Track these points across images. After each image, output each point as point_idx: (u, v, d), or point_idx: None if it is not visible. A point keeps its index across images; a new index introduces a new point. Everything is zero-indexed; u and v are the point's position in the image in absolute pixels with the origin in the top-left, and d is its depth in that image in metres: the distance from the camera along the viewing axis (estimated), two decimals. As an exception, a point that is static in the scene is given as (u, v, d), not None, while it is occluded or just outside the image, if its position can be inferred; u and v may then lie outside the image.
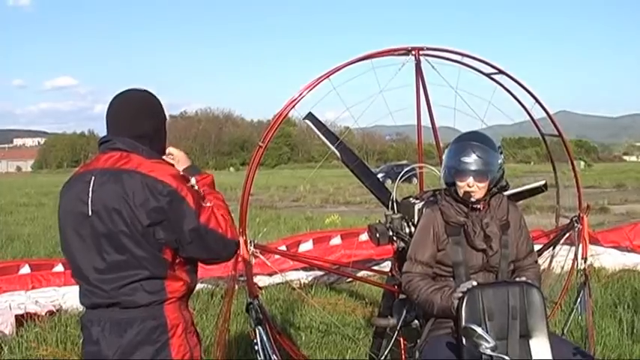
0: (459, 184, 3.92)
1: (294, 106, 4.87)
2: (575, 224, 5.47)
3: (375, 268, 8.55)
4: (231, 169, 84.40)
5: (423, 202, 4.63)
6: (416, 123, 5.32)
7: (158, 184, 2.86)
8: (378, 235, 4.84)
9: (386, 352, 4.84)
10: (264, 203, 27.82)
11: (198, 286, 8.91)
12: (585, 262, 5.48)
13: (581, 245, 5.48)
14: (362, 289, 9.31)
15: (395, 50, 5.24)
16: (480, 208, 3.96)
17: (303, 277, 9.76)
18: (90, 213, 2.91)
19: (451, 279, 3.95)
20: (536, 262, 4.23)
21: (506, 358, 3.19)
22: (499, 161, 3.97)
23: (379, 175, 7.98)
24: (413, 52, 5.24)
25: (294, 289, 8.87)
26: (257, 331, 4.52)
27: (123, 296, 2.91)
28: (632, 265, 10.29)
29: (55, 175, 77.44)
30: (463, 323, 3.55)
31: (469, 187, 3.89)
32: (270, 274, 9.00)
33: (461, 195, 3.94)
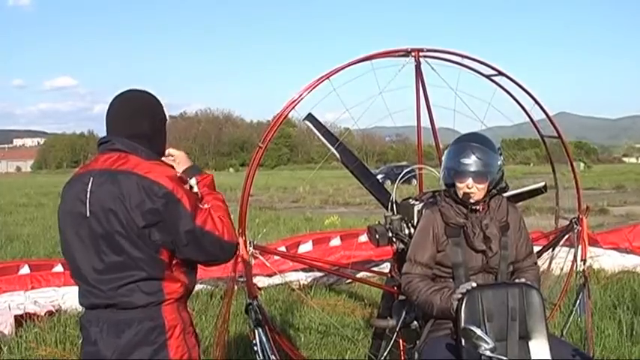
0: (459, 185, 3.92)
1: (293, 107, 4.88)
2: (575, 226, 5.48)
3: (375, 269, 8.56)
4: (231, 169, 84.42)
5: (422, 204, 4.63)
6: (416, 124, 5.33)
7: (154, 185, 2.86)
8: (377, 236, 4.84)
9: (385, 353, 4.84)
10: (263, 204, 27.82)
11: (198, 286, 8.95)
12: (585, 263, 5.48)
13: (580, 247, 5.49)
14: (361, 290, 9.31)
15: (395, 51, 5.25)
16: (479, 210, 3.96)
17: (302, 278, 9.77)
18: (88, 214, 2.92)
19: (450, 280, 3.96)
20: (536, 263, 4.24)
21: (505, 359, 3.20)
22: (499, 163, 3.97)
23: (379, 177, 7.97)
24: (413, 54, 5.24)
25: (293, 290, 8.88)
26: (256, 331, 4.52)
27: (120, 297, 2.91)
28: (632, 267, 10.30)
29: (55, 176, 77.46)
30: (462, 324, 3.55)
31: (468, 188, 3.90)
32: (270, 275, 9.00)
33: (460, 196, 3.94)
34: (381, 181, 5.76)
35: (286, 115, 4.97)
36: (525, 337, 3.67)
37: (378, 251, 7.43)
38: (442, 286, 3.91)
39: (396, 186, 4.99)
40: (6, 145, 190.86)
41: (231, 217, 3.13)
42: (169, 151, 3.29)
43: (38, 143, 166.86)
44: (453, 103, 5.26)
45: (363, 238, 8.66)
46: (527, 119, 5.67)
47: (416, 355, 3.99)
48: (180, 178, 3.00)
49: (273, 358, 4.47)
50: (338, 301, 9.00)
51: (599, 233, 11.18)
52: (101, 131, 3.15)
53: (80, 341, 3.12)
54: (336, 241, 10.30)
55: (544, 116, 5.62)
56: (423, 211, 4.37)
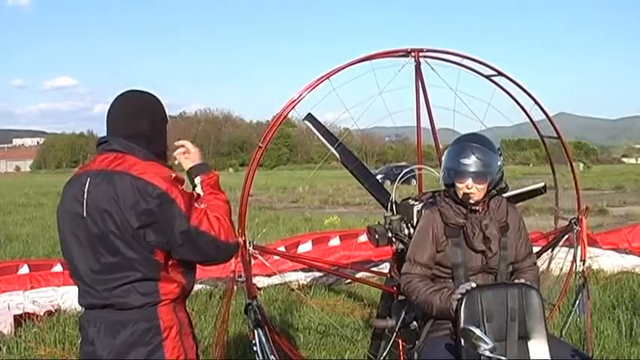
0: (458, 185, 3.92)
1: (293, 107, 4.88)
2: (574, 226, 5.48)
3: (374, 269, 8.56)
4: (231, 169, 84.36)
5: (422, 204, 4.64)
6: (415, 124, 5.32)
7: (148, 186, 2.86)
8: (377, 236, 4.84)
9: (384, 354, 4.83)
10: (263, 204, 27.82)
11: (197, 286, 8.94)
12: (584, 264, 5.48)
13: (579, 247, 5.49)
14: (361, 291, 9.31)
15: (395, 52, 5.25)
16: (479, 210, 3.96)
17: (301, 278, 9.77)
18: (84, 214, 2.93)
19: (450, 280, 3.96)
20: (535, 263, 4.24)
21: (505, 359, 3.20)
22: (498, 163, 3.97)
23: (378, 177, 7.98)
24: (412, 54, 5.24)
25: (292, 290, 8.88)
26: (256, 332, 4.52)
27: (116, 298, 2.92)
28: (631, 267, 10.31)
29: (54, 176, 77.43)
30: (462, 324, 3.55)
31: (468, 188, 3.90)
32: (269, 275, 9.00)
33: (460, 196, 3.94)
34: (380, 181, 5.76)
35: (286, 115, 4.97)
36: (525, 337, 3.68)
37: (377, 251, 7.43)
38: (441, 287, 3.91)
39: (395, 186, 4.99)
40: (5, 145, 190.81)
41: (232, 218, 3.13)
42: (183, 142, 3.29)
43: (38, 143, 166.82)
44: (453, 103, 5.27)
45: (363, 238, 8.66)
46: (527, 119, 5.67)
47: (415, 356, 3.98)
48: (175, 178, 2.98)
49: (273, 358, 4.47)
50: (337, 301, 9.00)
51: (598, 234, 11.19)
52: (101, 131, 3.16)
53: (79, 341, 3.13)
54: (335, 241, 10.30)
55: (544, 116, 5.62)
56: (423, 211, 4.37)
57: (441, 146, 5.38)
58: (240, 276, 4.88)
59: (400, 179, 5.04)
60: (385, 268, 7.50)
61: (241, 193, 4.83)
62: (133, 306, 2.91)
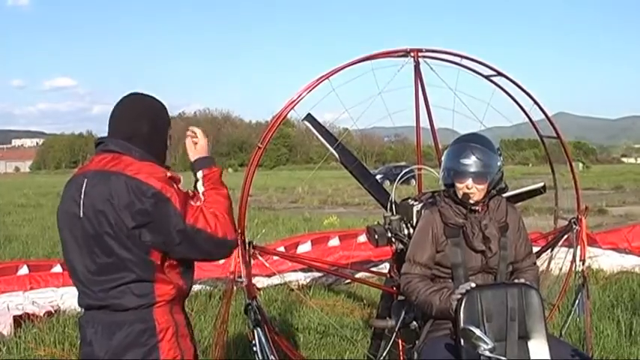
0: (458, 185, 3.92)
1: (293, 108, 4.87)
2: (574, 226, 5.48)
3: (374, 269, 8.56)
4: (230, 169, 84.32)
5: (421, 204, 4.63)
6: (415, 124, 5.32)
7: (142, 185, 2.86)
8: (376, 236, 4.84)
9: (384, 354, 4.83)
10: (262, 204, 27.83)
11: (197, 287, 8.95)
12: (584, 263, 5.48)
13: (579, 247, 5.49)
14: (360, 291, 9.31)
15: (394, 52, 5.25)
16: (478, 210, 3.96)
17: (301, 278, 9.77)
18: (81, 215, 2.93)
19: (450, 280, 3.96)
20: (535, 263, 4.24)
21: (505, 359, 3.20)
22: (498, 163, 3.97)
23: (377, 177, 7.98)
24: (412, 54, 5.24)
25: (292, 290, 8.89)
26: (255, 332, 4.52)
27: (111, 299, 2.92)
28: (630, 267, 10.31)
29: (54, 176, 77.46)
30: (462, 324, 3.55)
31: (468, 188, 3.90)
32: (269, 276, 9.00)
33: (460, 196, 3.94)
34: (379, 181, 5.76)
35: (285, 116, 4.97)
36: (524, 337, 3.68)
37: (377, 251, 7.44)
38: (441, 287, 3.90)
39: (395, 186, 4.99)
40: (5, 146, 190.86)
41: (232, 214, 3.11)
42: (194, 128, 3.27)
43: (37, 144, 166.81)
44: (452, 103, 5.26)
45: (362, 238, 8.65)
46: (527, 119, 5.67)
47: (415, 356, 3.98)
48: (170, 177, 2.98)
49: (272, 358, 4.46)
50: (337, 301, 9.00)
51: (597, 233, 11.19)
52: (100, 132, 3.17)
53: (79, 342, 3.13)
54: (334, 242, 10.30)
55: (543, 116, 5.62)
56: (422, 211, 4.37)
57: (440, 146, 5.38)
58: (240, 276, 4.88)
59: (400, 179, 5.04)
60: (385, 268, 7.50)
61: (241, 194, 4.82)
62: (128, 307, 2.91)
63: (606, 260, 10.36)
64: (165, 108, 3.25)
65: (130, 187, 2.85)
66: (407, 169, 5.23)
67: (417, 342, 4.08)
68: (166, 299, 2.98)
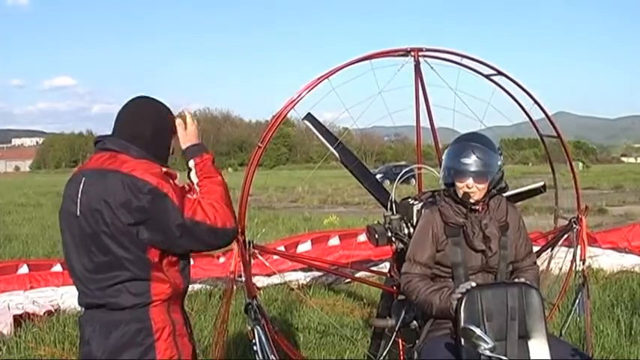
0: (459, 185, 3.92)
1: (293, 107, 4.87)
2: (574, 225, 5.47)
3: (374, 268, 8.56)
4: (230, 169, 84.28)
5: (421, 203, 4.63)
6: (415, 124, 5.32)
7: (138, 182, 2.87)
8: (376, 235, 4.84)
9: (384, 353, 4.83)
10: (262, 204, 27.83)
11: (197, 286, 8.96)
12: (584, 263, 5.48)
13: (579, 246, 5.48)
14: (360, 290, 9.31)
15: (394, 51, 5.24)
16: (478, 209, 3.96)
17: (301, 277, 9.77)
18: (78, 213, 2.94)
19: (450, 280, 3.95)
20: (535, 263, 4.24)
21: (505, 358, 3.20)
22: (499, 162, 3.97)
23: (377, 176, 7.97)
24: (412, 53, 5.23)
25: (292, 289, 8.89)
26: (255, 331, 4.51)
27: (108, 298, 2.93)
28: (630, 267, 10.31)
29: (54, 175, 77.44)
30: (462, 324, 3.55)
31: (468, 188, 3.89)
32: (269, 275, 9.00)
33: (460, 196, 3.93)
34: (379, 180, 5.76)
35: (285, 115, 4.96)
36: (525, 336, 3.67)
37: (377, 251, 7.43)
38: (441, 286, 3.90)
39: (395, 186, 4.98)
40: (5, 145, 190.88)
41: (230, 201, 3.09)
42: (185, 113, 3.24)
43: (37, 143, 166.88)
44: (453, 102, 5.25)
45: (362, 237, 8.65)
46: (527, 119, 5.67)
47: (415, 355, 3.98)
48: (166, 173, 2.99)
49: (273, 357, 4.46)
50: (337, 300, 9.00)
51: (597, 233, 11.19)
52: (100, 131, 3.19)
53: (79, 341, 3.14)
54: (335, 241, 10.30)
55: (543, 116, 5.61)
56: (423, 210, 4.37)
57: (440, 146, 5.37)
58: (240, 276, 4.88)
59: (400, 179, 5.03)
60: (385, 267, 7.50)
61: (241, 193, 4.82)
62: (124, 306, 2.92)
63: (606, 260, 10.35)
64: (172, 114, 3.24)
65: (126, 184, 2.86)
66: (407, 169, 5.22)
67: (417, 341, 4.08)
68: (162, 298, 2.98)
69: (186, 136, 3.21)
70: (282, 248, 9.41)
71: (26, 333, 7.54)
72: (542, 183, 5.29)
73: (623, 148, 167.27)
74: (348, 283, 9.70)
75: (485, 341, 3.14)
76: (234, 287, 4.95)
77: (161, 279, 2.97)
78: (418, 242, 4.06)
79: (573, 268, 5.70)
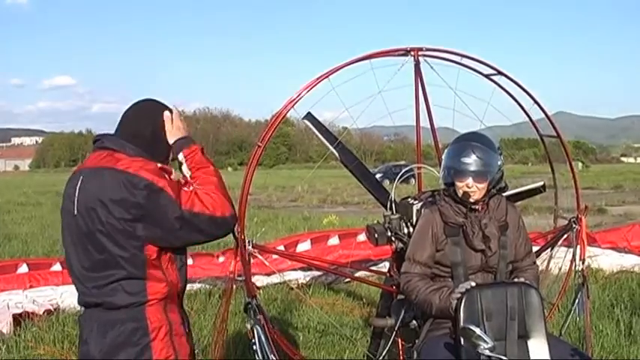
0: (458, 184, 3.92)
1: (293, 106, 4.86)
2: (574, 225, 5.47)
3: (373, 268, 8.56)
4: (229, 168, 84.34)
5: (421, 203, 4.63)
6: (415, 123, 5.32)
7: (133, 178, 2.86)
8: (376, 235, 4.84)
9: (384, 353, 4.84)
10: (262, 203, 27.83)
11: (196, 285, 8.97)
12: (583, 263, 5.48)
13: (579, 246, 5.48)
14: (360, 290, 9.31)
15: (394, 51, 5.24)
16: (478, 209, 3.96)
17: (301, 277, 9.77)
18: (75, 212, 2.95)
19: (450, 279, 3.96)
20: (535, 263, 4.24)
21: (504, 358, 3.20)
22: (499, 162, 3.97)
23: (377, 176, 7.96)
24: (412, 53, 5.23)
25: (292, 289, 8.89)
26: (255, 330, 4.51)
27: (104, 296, 2.93)
28: (630, 266, 10.31)
29: (53, 175, 77.44)
30: (461, 324, 3.55)
31: (468, 187, 3.89)
32: (269, 274, 9.00)
33: (460, 195, 3.93)
34: (379, 180, 5.75)
35: (285, 115, 4.96)
36: (524, 336, 3.68)
37: (376, 250, 7.44)
38: (441, 286, 3.90)
39: (394, 185, 4.98)
40: (4, 144, 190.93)
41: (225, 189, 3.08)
42: (174, 110, 3.21)
43: (36, 142, 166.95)
44: (452, 102, 5.25)
45: (362, 237, 8.67)
46: (526, 118, 5.67)
47: (415, 355, 3.99)
48: (161, 168, 2.98)
49: (272, 357, 4.46)
50: (336, 300, 9.00)
51: (597, 233, 11.19)
52: (99, 130, 3.19)
53: (78, 340, 3.14)
54: (334, 240, 10.30)
55: (543, 115, 5.61)
56: (422, 210, 4.37)
57: (440, 145, 5.37)
58: (240, 275, 4.88)
59: (399, 178, 5.03)
60: (384, 267, 7.50)
61: (240, 192, 4.82)
62: (120, 305, 2.92)
63: (606, 260, 10.35)
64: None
65: (122, 181, 2.86)
66: (407, 168, 5.23)
67: (416, 341, 4.08)
68: (159, 297, 2.97)
69: (172, 130, 3.17)
70: (281, 248, 9.41)
71: (26, 332, 7.54)
72: (541, 183, 5.29)
73: (622, 148, 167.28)
74: (347, 282, 9.70)
75: (485, 341, 3.14)
76: (234, 286, 4.95)
77: (157, 278, 2.96)
78: (418, 242, 4.06)
79: (573, 268, 5.69)
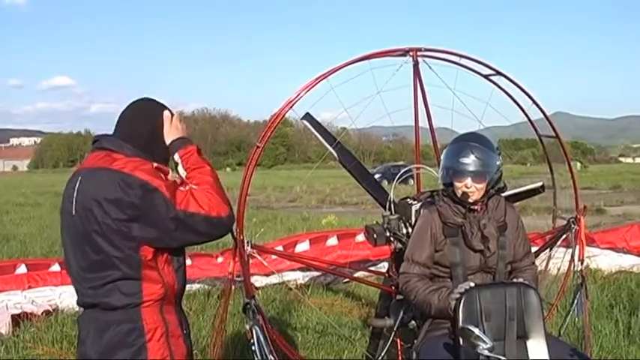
0: (457, 184, 3.92)
1: (291, 107, 4.86)
2: (572, 225, 5.47)
3: (372, 268, 8.55)
4: (228, 169, 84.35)
5: (420, 203, 4.63)
6: (413, 124, 5.32)
7: (129, 178, 2.86)
8: (375, 235, 4.84)
9: (383, 353, 4.83)
10: (260, 203, 27.84)
11: (195, 286, 8.96)
12: (582, 263, 5.48)
13: (577, 247, 5.48)
14: (359, 290, 9.31)
15: (393, 51, 5.24)
16: (477, 209, 3.97)
17: (299, 277, 9.77)
18: (74, 212, 2.94)
19: (448, 280, 3.96)
20: (534, 263, 4.24)
21: (503, 358, 3.20)
22: (497, 162, 3.97)
23: (376, 176, 7.96)
24: (411, 53, 5.23)
25: (290, 289, 8.88)
26: (254, 331, 4.51)
27: (101, 297, 2.93)
28: (629, 267, 10.31)
29: (51, 175, 77.41)
30: (460, 324, 3.55)
31: (467, 187, 3.89)
32: (267, 275, 8.99)
33: (459, 196, 3.94)
34: (378, 180, 5.75)
35: (284, 115, 4.96)
36: (523, 336, 3.68)
37: (375, 251, 7.43)
38: (440, 286, 3.91)
39: (393, 185, 4.98)
40: (3, 145, 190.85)
41: (222, 189, 3.06)
42: (174, 112, 3.21)
43: (35, 142, 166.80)
44: (451, 102, 5.25)
45: (361, 237, 8.66)
46: (525, 119, 5.67)
47: (414, 355, 3.98)
48: (157, 168, 2.98)
49: (271, 357, 4.46)
50: (335, 300, 9.00)
51: (596, 233, 11.19)
52: (98, 130, 3.20)
53: (76, 340, 3.15)
54: (333, 241, 10.29)
55: (541, 116, 5.62)
56: (421, 210, 4.37)
57: (439, 146, 5.37)
58: (239, 275, 4.88)
59: (398, 179, 5.03)
60: (383, 267, 7.50)
61: (239, 193, 4.82)
62: (116, 306, 2.91)
63: (604, 260, 10.35)
64: (172, 114, 3.22)
65: (117, 181, 2.85)
66: (405, 169, 5.23)
67: (415, 341, 4.08)
68: (154, 299, 2.97)
69: (170, 131, 3.16)
70: (280, 248, 9.39)
71: (24, 333, 7.54)
72: (540, 183, 5.30)
73: (621, 149, 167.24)
74: (346, 282, 9.69)
75: (484, 341, 3.14)
76: (233, 287, 4.95)
77: (153, 279, 2.95)
78: (417, 242, 4.06)
79: (572, 268, 5.70)
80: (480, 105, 5.29)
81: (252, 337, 4.50)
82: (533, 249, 4.53)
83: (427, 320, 3.99)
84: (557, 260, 5.85)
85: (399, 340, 4.85)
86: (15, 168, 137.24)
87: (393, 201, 4.95)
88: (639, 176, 45.55)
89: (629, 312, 7.67)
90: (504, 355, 3.34)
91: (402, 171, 5.15)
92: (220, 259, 9.57)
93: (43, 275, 9.06)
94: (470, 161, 3.88)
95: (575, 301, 5.43)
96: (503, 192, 4.21)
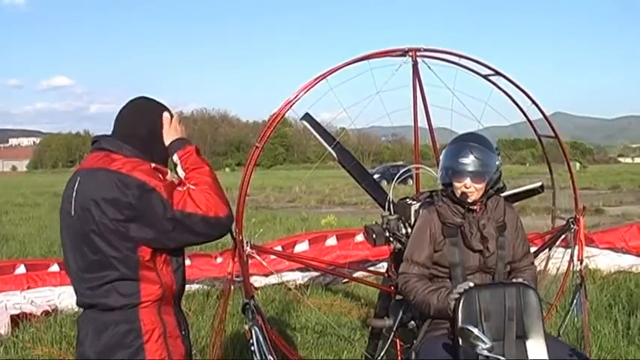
0: (456, 185, 3.92)
1: (291, 107, 4.86)
2: (572, 225, 5.48)
3: (371, 268, 8.55)
4: (227, 169, 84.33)
5: (419, 203, 4.63)
6: (412, 124, 5.32)
7: (126, 178, 2.86)
8: (374, 235, 4.84)
9: (382, 353, 4.83)
10: (259, 204, 27.83)
11: (194, 286, 8.96)
12: (581, 263, 5.48)
13: (577, 247, 5.48)
14: (358, 290, 9.31)
15: (392, 51, 5.23)
16: (476, 209, 3.97)
17: (298, 277, 9.77)
18: (73, 213, 2.95)
19: (448, 280, 3.96)
20: (533, 263, 4.24)
21: (503, 358, 3.20)
22: (496, 162, 3.97)
23: (375, 176, 7.96)
24: (410, 53, 5.23)
25: (290, 289, 8.88)
26: (253, 331, 4.51)
27: (99, 298, 2.93)
28: (628, 267, 10.32)
29: (50, 175, 77.38)
30: (459, 324, 3.55)
31: (466, 188, 3.89)
32: (266, 275, 8.99)
33: (458, 196, 3.94)
34: (377, 180, 5.75)
35: (283, 115, 4.95)
36: (522, 336, 3.68)
37: (374, 251, 7.43)
38: (439, 286, 3.91)
39: (392, 186, 4.98)
40: (2, 145, 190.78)
41: (221, 189, 3.06)
42: (173, 114, 3.20)
43: (34, 143, 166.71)
44: (450, 103, 5.25)
45: (360, 237, 8.67)
46: (524, 119, 5.67)
47: (413, 355, 3.98)
48: (155, 168, 2.97)
49: (270, 358, 4.45)
50: (334, 300, 9.00)
51: (595, 233, 11.19)
52: (97, 130, 3.19)
53: (75, 341, 3.15)
54: (332, 241, 10.29)
55: (540, 116, 5.62)
56: (420, 210, 4.37)
57: (438, 146, 5.37)
58: (238, 276, 4.88)
59: (397, 179, 5.03)
60: (382, 267, 7.49)
61: (238, 193, 4.82)
62: (114, 307, 2.91)
63: (603, 260, 10.36)
64: (171, 114, 3.21)
65: (114, 181, 2.85)
66: (404, 169, 5.23)
67: (414, 341, 4.09)
68: (152, 299, 2.96)
69: (169, 132, 3.16)
70: (279, 248, 9.40)
71: (23, 333, 7.54)
72: (539, 183, 5.30)
73: (620, 149, 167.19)
74: (345, 283, 9.69)
75: (483, 341, 3.14)
76: (232, 287, 4.95)
77: (151, 279, 2.95)
78: (416, 242, 4.06)
79: (571, 269, 5.70)
80: (479, 105, 5.30)
81: (252, 337, 4.50)
82: (533, 249, 4.53)
83: (426, 320, 3.98)
84: (557, 260, 5.85)
85: (398, 341, 4.85)
86: (14, 168, 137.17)
87: (392, 201, 4.95)
88: (638, 176, 45.54)
89: (628, 312, 7.68)
90: (503, 355, 3.34)
91: (401, 171, 5.15)
92: (219, 260, 9.57)
93: (42, 276, 9.06)
94: (469, 161, 3.88)
95: (575, 301, 5.43)
96: (503, 192, 4.21)
